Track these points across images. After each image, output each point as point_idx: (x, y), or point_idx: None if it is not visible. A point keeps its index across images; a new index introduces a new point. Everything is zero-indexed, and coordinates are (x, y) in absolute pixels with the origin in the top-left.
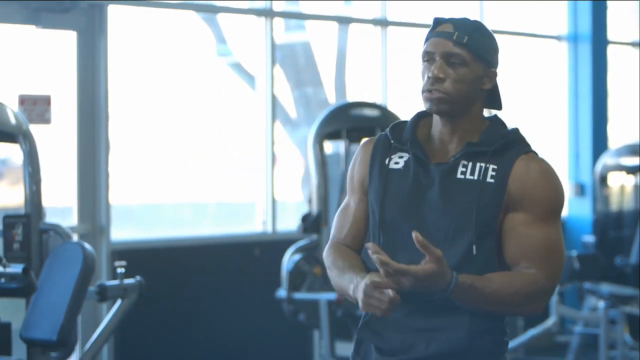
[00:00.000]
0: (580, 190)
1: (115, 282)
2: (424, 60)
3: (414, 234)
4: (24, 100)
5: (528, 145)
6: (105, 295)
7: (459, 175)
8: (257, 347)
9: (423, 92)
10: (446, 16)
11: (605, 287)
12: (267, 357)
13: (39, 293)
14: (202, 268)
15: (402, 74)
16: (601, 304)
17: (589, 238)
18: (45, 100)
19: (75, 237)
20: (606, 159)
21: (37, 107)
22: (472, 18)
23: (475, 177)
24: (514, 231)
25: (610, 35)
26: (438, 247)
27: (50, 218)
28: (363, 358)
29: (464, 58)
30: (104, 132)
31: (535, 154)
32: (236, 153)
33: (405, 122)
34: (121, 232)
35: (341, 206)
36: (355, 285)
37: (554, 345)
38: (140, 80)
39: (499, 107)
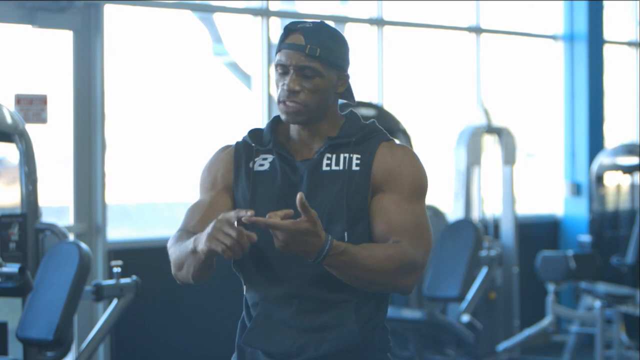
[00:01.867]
0: (577, 189)
1: (112, 281)
2: (277, 71)
3: (299, 194)
4: (20, 100)
5: (387, 135)
6: (101, 294)
7: (325, 168)
8: None
9: (279, 102)
10: (299, 21)
11: (602, 287)
12: None
13: (35, 293)
14: None
15: (398, 73)
16: (597, 303)
17: (585, 237)
18: (42, 100)
19: (71, 237)
20: (602, 159)
21: (33, 106)
22: (319, 20)
23: (341, 167)
24: (382, 210)
25: (607, 35)
26: None
27: (46, 217)
28: None
29: (318, 70)
30: (100, 131)
31: (395, 141)
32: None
33: (261, 128)
34: (117, 231)
35: (192, 203)
36: (198, 237)
37: (550, 345)
38: (137, 80)
39: (353, 101)
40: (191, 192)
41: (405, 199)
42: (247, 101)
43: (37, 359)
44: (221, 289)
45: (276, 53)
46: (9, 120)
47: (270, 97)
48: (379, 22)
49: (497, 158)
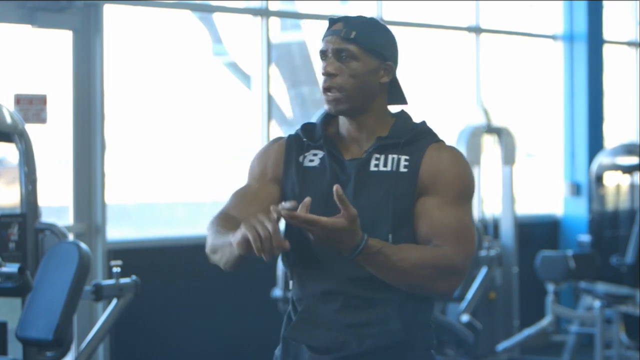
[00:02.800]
0: (576, 189)
1: (111, 281)
2: (321, 59)
3: (335, 187)
4: (19, 100)
5: (436, 135)
6: (101, 294)
7: (372, 168)
8: (253, 347)
9: (322, 93)
10: (345, 14)
11: (601, 287)
12: (263, 357)
13: (34, 292)
14: (197, 267)
15: (399, 74)
16: (597, 303)
17: (585, 237)
18: (41, 100)
19: (71, 237)
20: (602, 159)
21: (33, 106)
22: (367, 16)
23: (389, 168)
24: (426, 213)
25: (606, 35)
26: None
27: (46, 217)
28: (294, 358)
29: (353, 52)
30: (100, 131)
31: (444, 142)
32: (232, 152)
33: (314, 123)
34: (117, 231)
35: (237, 188)
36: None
37: (550, 345)
38: (136, 80)
39: (404, 102)
40: (190, 192)
41: (449, 202)
42: (247, 101)
43: (36, 358)
44: (222, 290)
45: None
46: (8, 120)
47: (270, 97)
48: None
49: (497, 158)
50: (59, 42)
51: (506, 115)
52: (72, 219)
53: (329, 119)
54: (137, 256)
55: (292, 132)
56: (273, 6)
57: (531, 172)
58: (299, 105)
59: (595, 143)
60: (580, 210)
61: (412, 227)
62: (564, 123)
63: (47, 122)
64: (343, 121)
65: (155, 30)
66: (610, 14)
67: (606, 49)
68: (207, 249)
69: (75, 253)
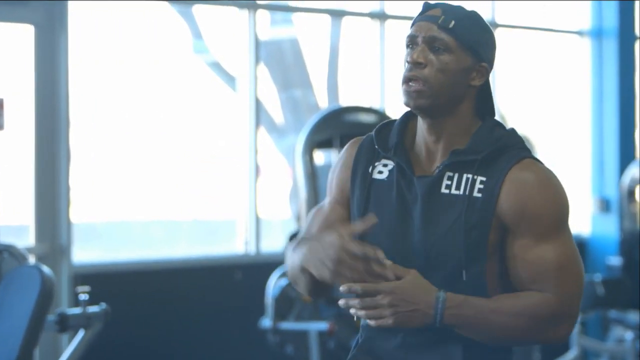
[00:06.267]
0: (605, 205)
1: (78, 310)
2: (407, 46)
3: (377, 253)
4: None
5: (525, 150)
6: (66, 324)
7: (444, 190)
8: None
9: (402, 83)
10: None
11: (634, 316)
12: None
13: None
14: (176, 294)
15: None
16: (629, 334)
17: (615, 260)
18: None
19: (32, 259)
20: (634, 171)
21: None
22: (469, 8)
23: (461, 191)
24: (517, 258)
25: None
26: (420, 272)
27: (3, 237)
28: None
29: (449, 44)
30: (65, 140)
31: (533, 159)
32: (215, 164)
33: (394, 122)
34: (84, 253)
35: (317, 206)
36: (305, 256)
37: None
38: (106, 82)
39: (492, 114)
40: (167, 209)
41: (541, 241)
42: (232, 106)
43: None
44: (204, 319)
45: (410, 28)
46: None
47: (257, 101)
48: (381, 16)
49: None
50: (18, 38)
51: (525, 122)
52: (34, 239)
53: (408, 122)
54: (107, 281)
55: (372, 131)
56: None
57: None
58: (290, 110)
59: (627, 153)
60: (609, 229)
61: (484, 264)
62: (592, 130)
63: (4, 129)
64: (421, 128)
65: (127, 26)
66: None
67: (639, 46)
68: (289, 278)
69: (36, 278)
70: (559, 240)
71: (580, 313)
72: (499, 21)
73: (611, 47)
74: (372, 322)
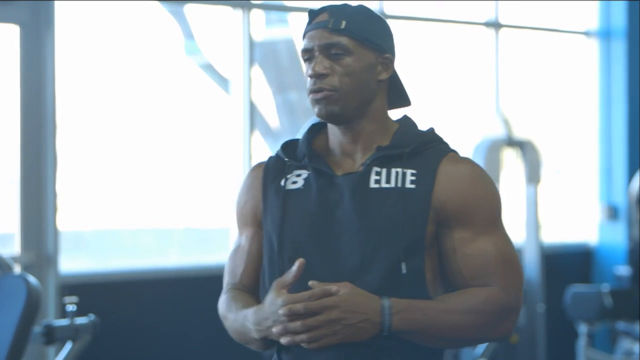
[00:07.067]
0: (613, 213)
1: (65, 321)
2: (305, 61)
3: (297, 263)
4: None
5: (448, 145)
6: (53, 336)
7: (373, 185)
8: None
9: (308, 94)
10: (330, 5)
11: None
12: None
13: None
14: (167, 304)
15: (401, 75)
16: (637, 347)
17: (623, 270)
18: None
19: (17, 269)
20: None
21: None
22: (354, 4)
23: (393, 184)
24: (456, 251)
25: None
26: (354, 273)
27: None
28: None
29: (346, 46)
30: (52, 144)
31: (458, 153)
32: (207, 170)
33: (297, 139)
34: (72, 262)
35: (232, 247)
36: (257, 322)
37: None
38: (95, 84)
39: (407, 103)
40: (157, 217)
41: (482, 231)
42: (225, 109)
43: None
44: (197, 331)
45: (302, 41)
46: None
47: (252, 104)
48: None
49: (520, 176)
50: (3, 38)
51: (530, 126)
52: (19, 248)
53: (315, 132)
54: (96, 292)
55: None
56: None
57: (560, 192)
58: (286, 113)
59: (636, 158)
60: (617, 237)
61: (422, 258)
62: (599, 134)
63: None
64: (334, 132)
65: (117, 26)
66: None
67: None
68: (230, 331)
69: (22, 288)
70: (498, 232)
71: (587, 324)
72: (502, 21)
73: (620, 49)
74: (313, 345)
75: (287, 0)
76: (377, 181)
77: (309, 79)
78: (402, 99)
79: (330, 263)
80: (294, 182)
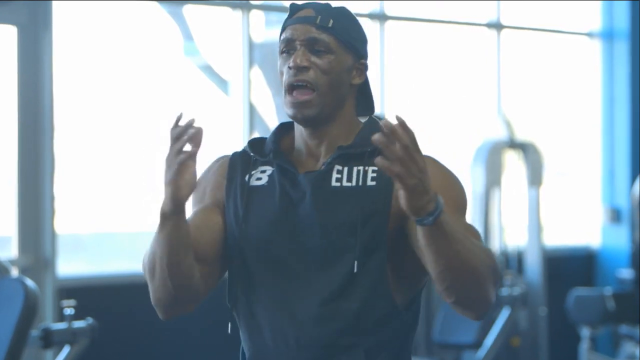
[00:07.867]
0: (616, 216)
1: (63, 325)
2: (282, 52)
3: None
4: None
5: None
6: (50, 340)
7: (334, 183)
8: None
9: (286, 93)
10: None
11: None
12: None
13: None
14: None
15: (402, 77)
16: None
17: (626, 273)
18: None
19: (15, 272)
20: None
21: None
22: (334, 4)
23: (354, 183)
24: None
25: None
26: (316, 270)
27: None
28: None
29: (329, 44)
30: (49, 146)
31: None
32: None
33: (265, 137)
34: (69, 265)
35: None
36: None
37: None
38: (93, 86)
39: (371, 111)
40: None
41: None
42: (225, 110)
43: None
44: (194, 335)
45: (280, 35)
46: None
47: (251, 106)
48: (381, 17)
49: (521, 178)
50: (1, 39)
51: (532, 128)
52: (17, 251)
53: (283, 131)
54: (94, 295)
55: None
56: None
57: (562, 195)
58: (285, 115)
59: (639, 160)
60: (620, 240)
61: (384, 255)
62: (602, 136)
63: None
64: (301, 133)
65: (115, 27)
66: None
67: None
68: (150, 290)
69: (20, 291)
70: (463, 219)
71: (589, 328)
72: (504, 22)
73: (622, 50)
74: (394, 169)
75: (286, 1)
76: (339, 179)
77: (285, 71)
78: (368, 107)
79: (294, 259)
80: (258, 179)
